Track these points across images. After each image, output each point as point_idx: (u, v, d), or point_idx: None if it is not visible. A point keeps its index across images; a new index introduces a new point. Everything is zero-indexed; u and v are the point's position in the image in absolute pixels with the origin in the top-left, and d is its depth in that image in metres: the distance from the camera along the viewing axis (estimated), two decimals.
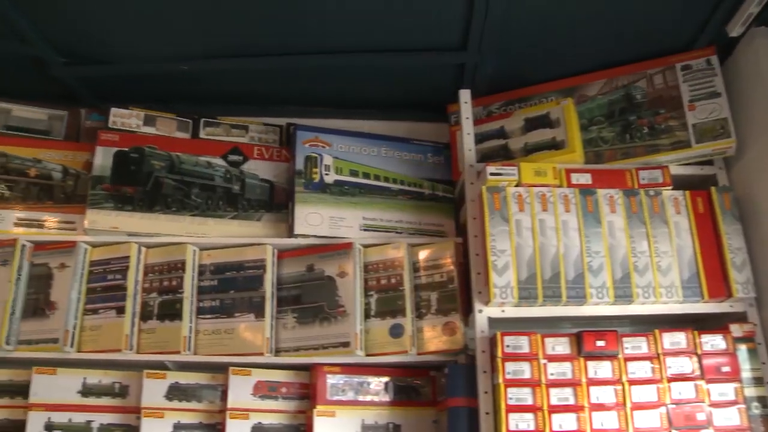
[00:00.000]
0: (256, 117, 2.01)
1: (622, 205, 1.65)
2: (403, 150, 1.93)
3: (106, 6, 1.60)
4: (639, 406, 1.48)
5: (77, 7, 1.61)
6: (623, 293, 1.57)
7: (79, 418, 1.69)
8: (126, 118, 1.87)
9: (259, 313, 1.72)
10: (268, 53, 1.78)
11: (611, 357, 1.52)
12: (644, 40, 1.76)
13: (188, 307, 1.73)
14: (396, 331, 1.71)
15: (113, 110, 1.88)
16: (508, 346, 1.52)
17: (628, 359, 1.52)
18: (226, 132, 1.93)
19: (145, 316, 1.75)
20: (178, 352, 1.70)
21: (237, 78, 1.90)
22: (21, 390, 1.71)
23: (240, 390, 1.67)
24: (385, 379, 1.72)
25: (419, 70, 1.86)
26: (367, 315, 1.73)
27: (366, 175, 1.86)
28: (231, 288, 1.76)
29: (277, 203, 1.86)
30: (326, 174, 1.83)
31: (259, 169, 1.89)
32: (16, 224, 1.82)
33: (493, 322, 1.60)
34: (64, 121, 1.96)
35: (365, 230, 1.81)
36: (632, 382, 1.50)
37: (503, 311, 1.60)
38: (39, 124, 1.95)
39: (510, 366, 1.51)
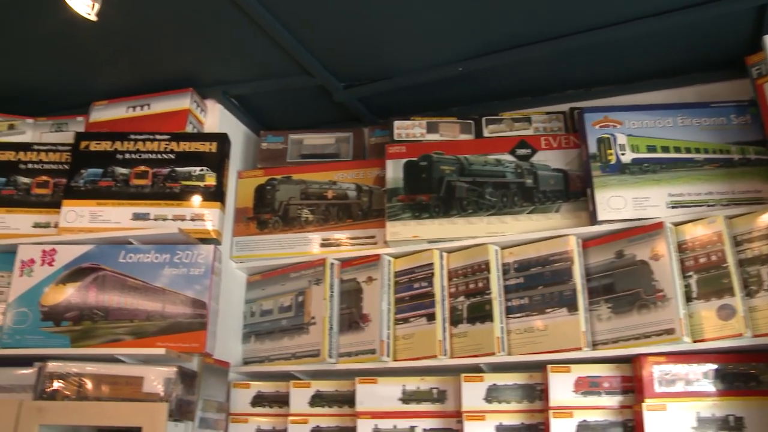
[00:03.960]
0: (537, 107, 2.76)
1: None
2: (702, 115, 2.50)
3: (377, 26, 2.41)
4: None
5: (351, 32, 2.45)
6: None
7: (403, 424, 2.48)
8: (409, 129, 2.73)
9: (572, 306, 2.38)
10: (541, 39, 2.46)
11: None
12: None
13: (498, 307, 2.46)
14: (725, 313, 2.26)
15: (396, 123, 2.75)
16: None
17: None
18: (509, 127, 2.70)
19: (455, 320, 2.52)
20: (492, 354, 2.40)
21: (512, 71, 2.64)
22: (347, 399, 2.57)
23: (561, 388, 2.31)
24: (717, 366, 2.22)
25: (706, 24, 2.37)
26: (688, 298, 2.29)
27: (665, 149, 2.48)
28: (538, 284, 2.46)
29: (573, 191, 2.54)
30: (622, 154, 2.48)
31: (549, 159, 2.60)
32: (322, 245, 2.75)
33: None
34: (350, 141, 2.89)
35: (673, 207, 2.40)
36: None
37: None
38: (328, 148, 2.91)
39: None
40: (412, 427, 2.47)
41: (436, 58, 2.61)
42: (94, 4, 2.14)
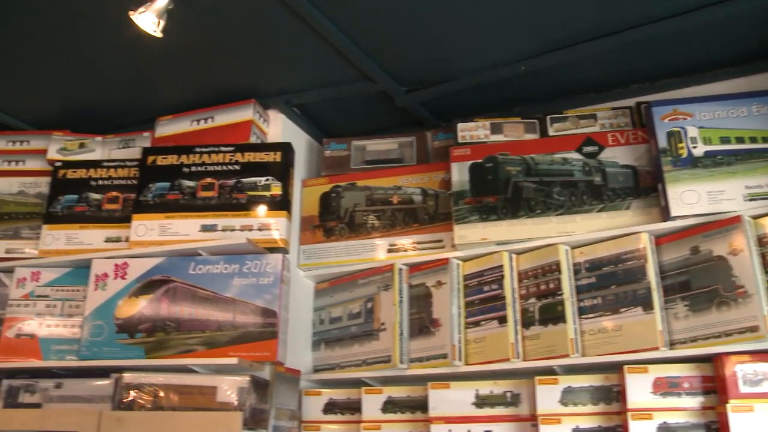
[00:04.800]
0: (602, 103, 2.71)
1: None
2: None
3: (438, 29, 2.39)
4: None
5: (411, 36, 2.43)
6: None
7: (477, 429, 2.43)
8: (473, 131, 2.69)
9: (647, 305, 2.31)
10: (604, 34, 2.40)
11: None
12: None
13: (570, 308, 2.41)
14: None
15: (460, 125, 2.72)
16: None
17: None
18: (574, 125, 2.64)
19: (527, 322, 2.47)
20: (566, 356, 2.36)
21: (575, 67, 2.58)
22: (419, 405, 2.54)
23: (638, 389, 2.24)
24: None
25: None
26: None
27: (740, 140, 2.39)
28: (611, 283, 2.39)
29: (643, 188, 2.47)
30: (694, 147, 2.40)
31: (617, 155, 2.54)
32: (390, 250, 2.73)
33: None
34: (413, 146, 2.87)
35: (751, 200, 2.31)
36: None
37: None
38: (391, 153, 2.90)
39: None
40: None
41: (498, 57, 2.58)
42: (159, 21, 2.16)
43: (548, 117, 2.67)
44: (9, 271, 2.89)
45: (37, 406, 2.64)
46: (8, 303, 2.80)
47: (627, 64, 2.62)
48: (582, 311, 2.42)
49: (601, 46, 2.46)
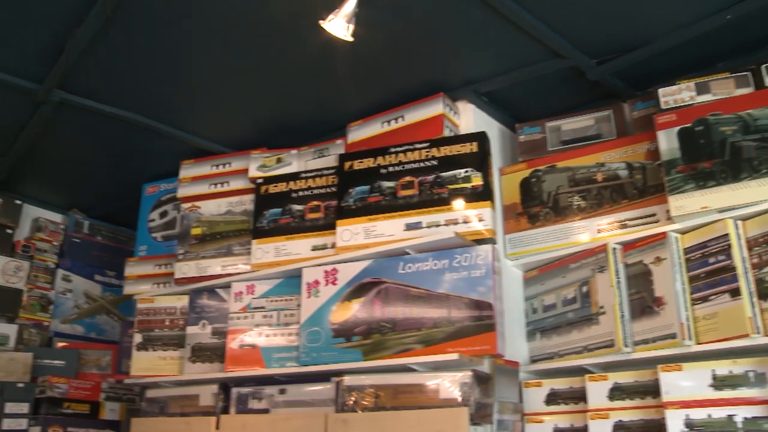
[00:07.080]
0: None
1: None
2: None
3: None
4: None
5: (598, 3, 2.31)
6: None
7: (718, 413, 2.24)
8: (676, 94, 2.51)
9: None
10: None
11: None
12: None
13: None
14: None
15: (661, 91, 2.54)
16: None
17: None
18: None
19: (764, 293, 2.25)
20: None
21: None
22: (649, 390, 2.39)
23: None
24: None
25: None
26: None
27: None
28: None
29: None
30: None
31: None
32: (600, 230, 2.61)
33: None
34: (611, 119, 2.73)
35: None
36: None
37: None
38: (588, 130, 2.77)
39: None
40: (730, 416, 2.23)
41: (697, 10, 2.38)
42: (349, 26, 2.18)
43: (763, 66, 2.42)
44: (226, 286, 3.03)
45: (265, 411, 2.75)
46: (229, 316, 2.93)
47: None
48: None
49: None
